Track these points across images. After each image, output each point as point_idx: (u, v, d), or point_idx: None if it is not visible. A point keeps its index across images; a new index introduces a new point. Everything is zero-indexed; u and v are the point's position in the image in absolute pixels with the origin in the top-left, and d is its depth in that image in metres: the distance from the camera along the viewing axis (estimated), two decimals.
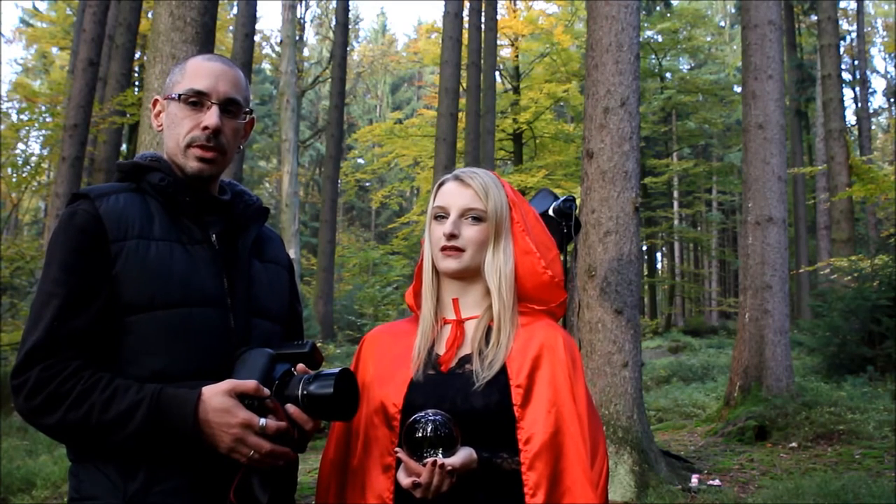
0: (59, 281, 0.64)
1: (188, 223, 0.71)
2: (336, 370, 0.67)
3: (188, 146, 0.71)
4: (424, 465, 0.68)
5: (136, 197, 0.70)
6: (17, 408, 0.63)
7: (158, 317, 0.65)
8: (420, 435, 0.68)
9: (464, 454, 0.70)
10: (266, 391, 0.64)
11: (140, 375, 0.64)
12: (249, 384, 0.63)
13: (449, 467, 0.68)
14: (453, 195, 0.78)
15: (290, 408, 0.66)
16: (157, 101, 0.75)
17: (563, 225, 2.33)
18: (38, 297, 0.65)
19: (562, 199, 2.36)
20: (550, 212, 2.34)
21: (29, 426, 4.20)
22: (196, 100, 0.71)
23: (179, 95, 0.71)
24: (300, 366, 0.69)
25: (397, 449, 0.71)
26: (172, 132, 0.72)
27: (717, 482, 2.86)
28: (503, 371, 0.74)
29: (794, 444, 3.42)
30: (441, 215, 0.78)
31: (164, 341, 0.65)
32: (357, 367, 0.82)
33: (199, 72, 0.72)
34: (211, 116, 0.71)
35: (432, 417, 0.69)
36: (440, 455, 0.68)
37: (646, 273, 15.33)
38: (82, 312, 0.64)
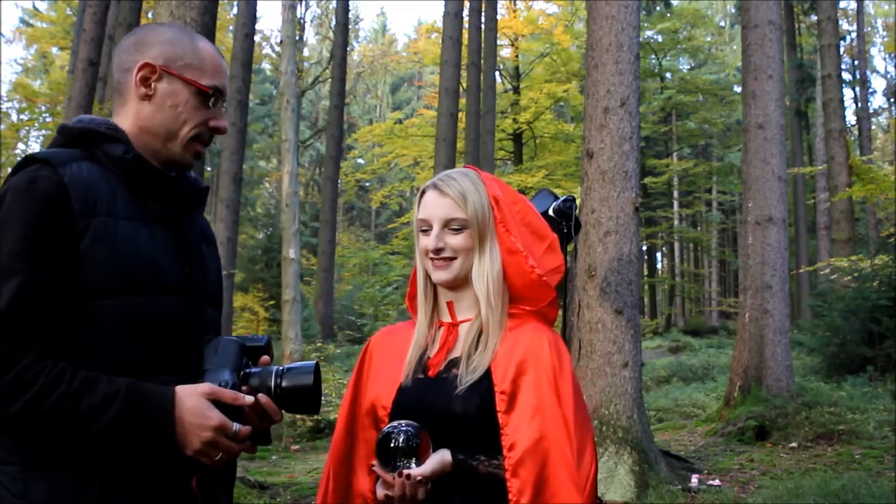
0: (20, 256, 0.55)
1: (149, 202, 0.63)
2: (311, 363, 0.66)
3: (192, 139, 0.65)
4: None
5: (95, 168, 0.61)
6: None
7: (126, 304, 0.59)
8: (393, 446, 0.68)
9: (435, 460, 0.69)
10: (247, 399, 0.62)
11: (102, 366, 0.58)
12: (228, 394, 0.60)
13: (419, 477, 0.67)
14: (433, 206, 0.78)
15: (262, 398, 0.64)
16: (150, 65, 0.63)
17: (563, 225, 2.33)
18: None
19: (562, 199, 2.36)
20: (550, 212, 2.34)
21: None
22: (214, 97, 0.66)
23: (198, 87, 0.64)
24: (264, 358, 0.67)
25: (373, 462, 0.70)
26: (173, 114, 0.64)
27: (717, 482, 2.86)
28: (488, 376, 0.74)
29: (794, 444, 3.42)
30: (425, 228, 0.79)
31: (128, 330, 0.59)
32: (360, 369, 0.82)
33: (217, 67, 0.66)
34: (223, 119, 0.68)
35: (404, 428, 0.69)
36: (413, 465, 0.68)
37: (646, 273, 15.32)
38: (45, 294, 0.55)
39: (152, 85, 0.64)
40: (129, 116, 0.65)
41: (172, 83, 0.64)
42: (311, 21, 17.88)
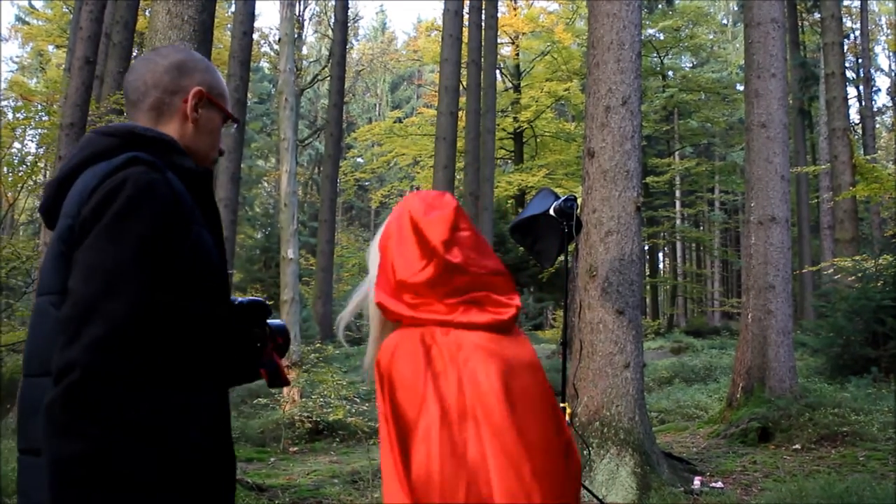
0: (138, 261, 0.52)
1: (203, 213, 0.66)
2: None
3: (213, 160, 0.73)
4: None
5: (174, 176, 0.62)
6: (72, 401, 0.48)
7: (206, 309, 0.60)
8: None
9: None
10: None
11: (179, 367, 0.57)
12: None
13: None
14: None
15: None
16: (201, 91, 0.67)
17: (564, 224, 2.31)
18: (104, 290, 0.50)
19: (563, 198, 2.33)
20: (551, 211, 2.32)
21: None
22: (227, 122, 0.74)
23: (228, 115, 0.72)
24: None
25: None
26: (210, 138, 0.70)
27: (719, 484, 2.83)
28: None
29: (797, 446, 3.40)
30: None
31: (202, 334, 0.60)
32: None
33: (228, 97, 0.75)
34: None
35: None
36: None
37: (647, 273, 15.25)
38: (155, 299, 0.54)
39: (199, 110, 0.69)
40: (173, 134, 0.67)
41: (211, 110, 0.70)
42: (310, 19, 17.84)
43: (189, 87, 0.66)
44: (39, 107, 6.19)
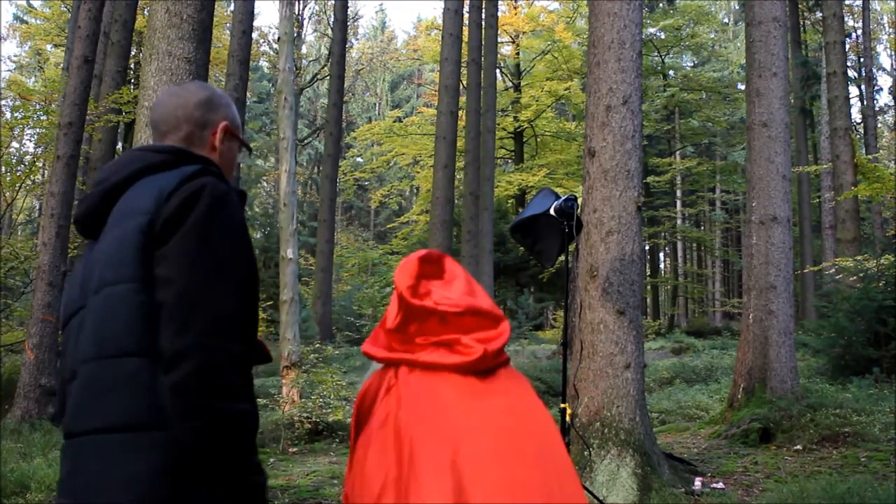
0: (232, 256, 0.61)
1: None
2: None
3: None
4: None
5: None
6: (199, 383, 0.56)
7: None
8: None
9: None
10: None
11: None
12: None
13: None
14: None
15: None
16: (228, 127, 0.77)
17: (565, 224, 2.29)
18: (209, 284, 0.59)
19: (563, 198, 2.32)
20: (552, 211, 2.30)
21: (23, 429, 4.14)
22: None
23: (244, 145, 0.81)
24: None
25: None
26: (230, 166, 0.78)
27: (720, 485, 2.82)
28: None
29: (798, 447, 3.38)
30: None
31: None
32: None
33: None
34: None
35: None
36: None
37: (648, 273, 15.27)
38: (254, 297, 0.64)
39: (224, 142, 0.77)
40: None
41: (232, 142, 0.78)
42: (310, 18, 17.82)
43: (217, 121, 0.75)
44: (38, 106, 6.18)
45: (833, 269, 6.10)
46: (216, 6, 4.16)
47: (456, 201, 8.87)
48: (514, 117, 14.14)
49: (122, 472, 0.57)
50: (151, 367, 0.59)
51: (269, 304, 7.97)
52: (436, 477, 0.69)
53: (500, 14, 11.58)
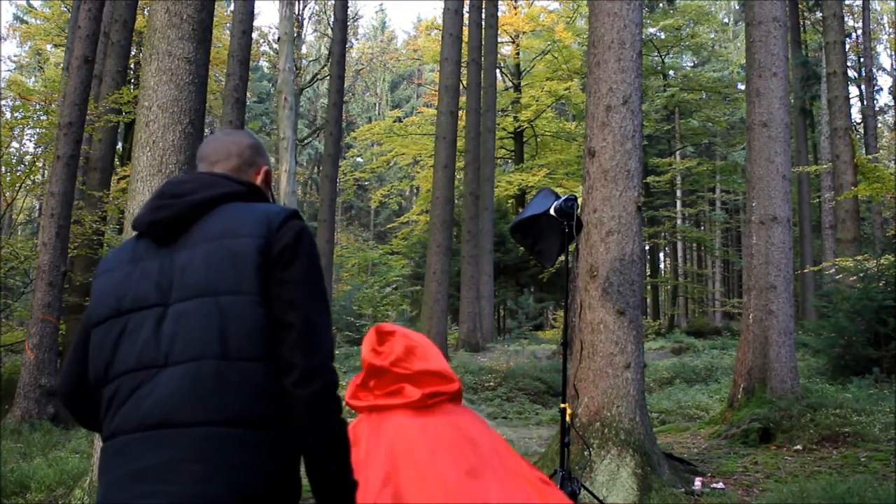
0: (324, 292, 0.75)
1: None
2: None
3: None
4: None
5: None
6: (328, 398, 0.69)
7: None
8: None
9: None
10: None
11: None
12: None
13: None
14: None
15: None
16: (268, 170, 0.88)
17: (565, 224, 2.29)
18: (321, 312, 0.72)
19: (563, 198, 2.32)
20: (552, 211, 2.30)
21: (23, 429, 4.12)
22: None
23: (270, 191, 0.91)
24: None
25: None
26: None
27: (720, 485, 2.82)
28: None
29: (798, 447, 3.38)
30: None
31: None
32: None
33: None
34: None
35: None
36: None
37: (648, 273, 15.27)
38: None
39: (262, 184, 0.87)
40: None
41: (266, 188, 0.88)
42: (310, 18, 17.80)
43: (261, 164, 0.86)
44: (38, 106, 6.18)
45: (833, 269, 6.10)
46: (216, 6, 4.16)
47: (456, 201, 8.86)
48: (514, 117, 14.14)
49: (235, 462, 0.64)
50: (268, 372, 0.68)
51: None
52: (375, 466, 1.07)
53: (500, 14, 11.57)
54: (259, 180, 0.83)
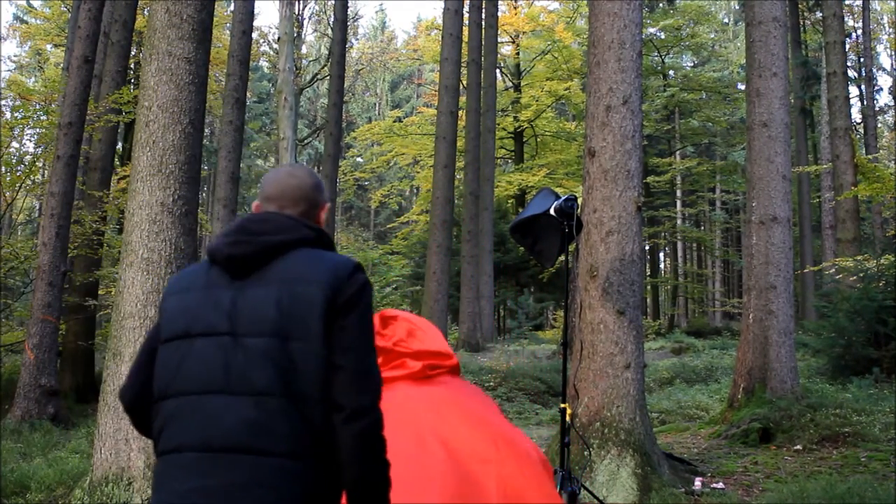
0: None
1: None
2: None
3: None
4: None
5: None
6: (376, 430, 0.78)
7: None
8: None
9: None
10: None
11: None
12: None
13: None
14: None
15: None
16: (328, 206, 0.96)
17: (565, 224, 2.29)
18: (370, 355, 0.81)
19: (563, 198, 2.31)
20: (552, 211, 2.30)
21: (23, 429, 4.12)
22: None
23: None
24: None
25: None
26: None
27: (720, 485, 2.82)
28: None
29: (798, 447, 3.38)
30: None
31: None
32: None
33: None
34: None
35: None
36: None
37: (648, 273, 15.26)
38: None
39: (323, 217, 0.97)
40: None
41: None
42: (310, 18, 17.80)
43: (323, 202, 0.94)
44: (38, 106, 6.18)
45: (833, 269, 6.10)
46: (216, 6, 4.16)
47: (456, 201, 8.87)
48: (514, 117, 14.14)
49: (294, 490, 0.73)
50: (324, 410, 0.76)
51: None
52: (399, 432, 1.11)
53: (500, 14, 11.57)
54: (323, 217, 0.94)
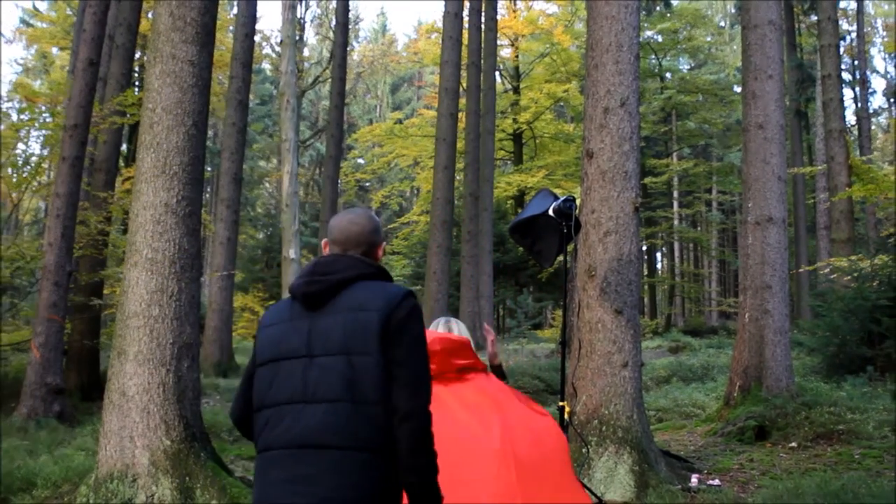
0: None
1: None
2: None
3: None
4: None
5: None
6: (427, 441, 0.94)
7: None
8: None
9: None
10: None
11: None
12: None
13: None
14: None
15: None
16: (384, 246, 1.12)
17: (563, 225, 2.34)
18: (423, 368, 0.97)
19: (562, 199, 2.36)
20: (550, 212, 2.35)
21: (29, 426, 4.13)
22: None
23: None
24: None
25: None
26: None
27: (716, 482, 2.86)
28: None
29: (793, 444, 3.42)
30: None
31: None
32: None
33: None
34: None
35: None
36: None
37: (645, 273, 15.33)
38: None
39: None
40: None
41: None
42: (311, 21, 17.87)
43: (380, 242, 1.09)
44: (43, 108, 6.22)
45: (828, 269, 6.15)
46: (219, 9, 4.21)
47: (456, 202, 8.90)
48: (514, 119, 14.20)
49: (360, 476, 0.91)
50: (383, 412, 0.93)
51: (271, 303, 7.98)
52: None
53: (499, 17, 11.63)
54: (380, 254, 1.10)
